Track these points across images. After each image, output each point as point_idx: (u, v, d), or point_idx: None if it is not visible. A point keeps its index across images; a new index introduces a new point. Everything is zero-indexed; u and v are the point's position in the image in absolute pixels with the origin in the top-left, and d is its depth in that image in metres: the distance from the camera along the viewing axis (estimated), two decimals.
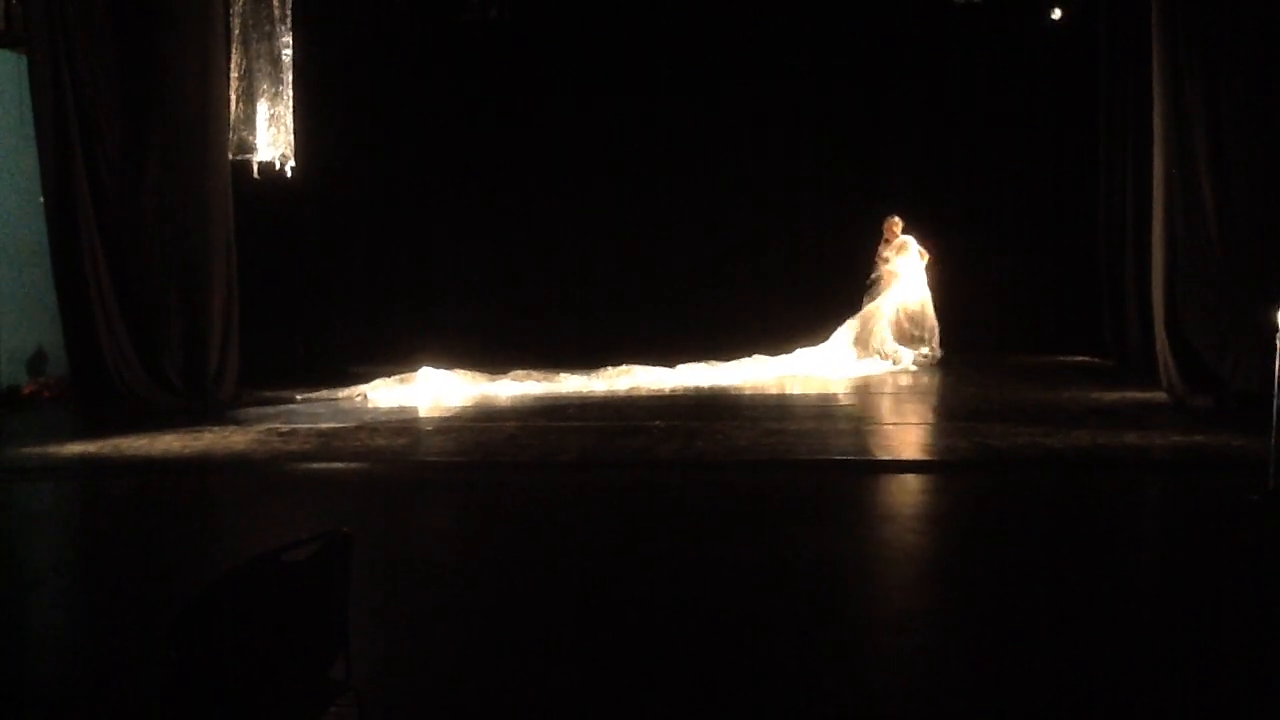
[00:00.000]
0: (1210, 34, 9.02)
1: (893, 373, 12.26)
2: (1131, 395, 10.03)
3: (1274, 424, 5.94)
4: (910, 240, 12.84)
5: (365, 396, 10.47)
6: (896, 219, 12.92)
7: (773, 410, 9.81)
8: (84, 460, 7.78)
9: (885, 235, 12.99)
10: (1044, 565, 5.35)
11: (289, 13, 9.44)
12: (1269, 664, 4.08)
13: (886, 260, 12.90)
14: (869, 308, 12.88)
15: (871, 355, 12.65)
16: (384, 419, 9.33)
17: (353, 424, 8.98)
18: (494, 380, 11.18)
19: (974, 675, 4.02)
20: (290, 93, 9.48)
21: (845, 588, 5.08)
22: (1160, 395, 9.60)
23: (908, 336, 12.89)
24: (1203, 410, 8.91)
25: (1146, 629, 4.55)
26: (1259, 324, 6.78)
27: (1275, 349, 6.09)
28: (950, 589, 5.12)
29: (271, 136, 9.45)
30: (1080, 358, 13.01)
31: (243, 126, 9.40)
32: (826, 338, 12.81)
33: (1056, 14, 12.51)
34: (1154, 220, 9.60)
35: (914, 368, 12.46)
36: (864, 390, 11.13)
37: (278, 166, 9.48)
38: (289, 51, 9.45)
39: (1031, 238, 13.74)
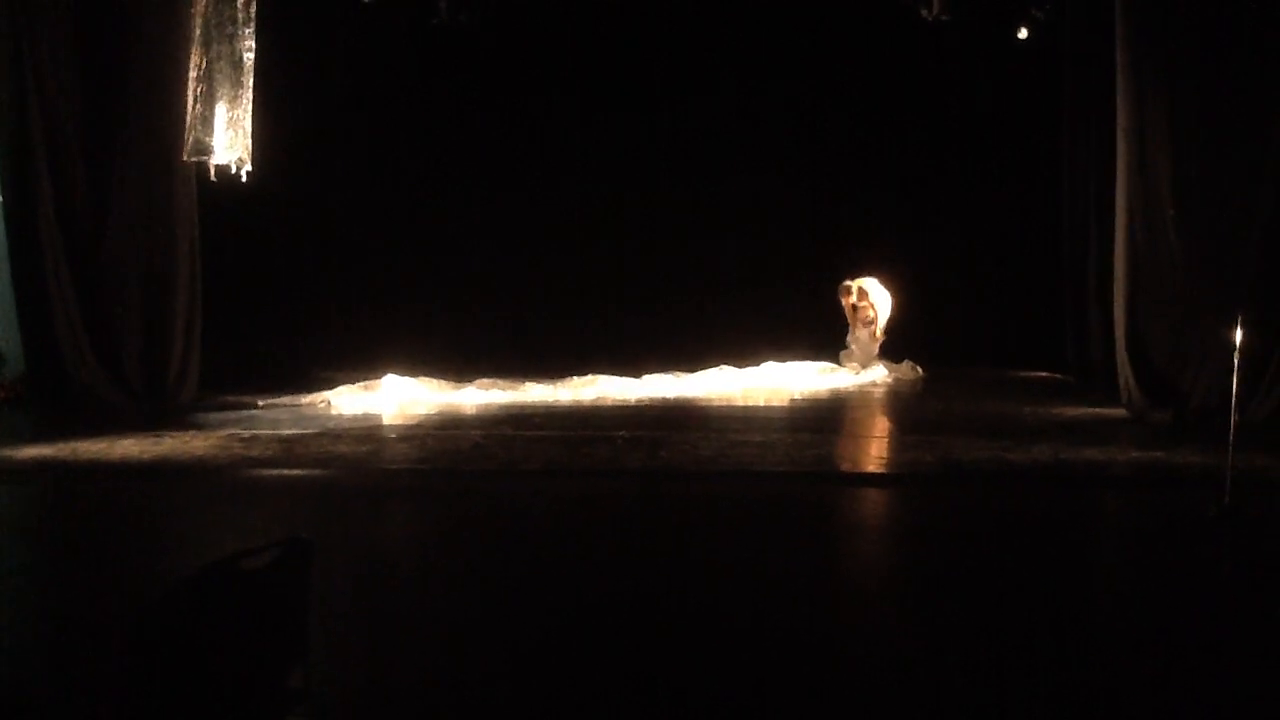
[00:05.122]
0: (1173, 54, 9.15)
1: (859, 386, 12.34)
2: (1092, 410, 10.14)
3: (1231, 440, 6.02)
4: (868, 284, 13.29)
5: (328, 402, 10.37)
6: (847, 283, 13.40)
7: (738, 421, 9.84)
8: (41, 463, 7.64)
9: (843, 299, 13.45)
10: (1003, 578, 5.38)
11: (252, 15, 9.33)
12: (1226, 679, 4.12)
13: (864, 310, 13.33)
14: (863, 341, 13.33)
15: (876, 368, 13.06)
16: (347, 425, 9.26)
17: (315, 430, 8.91)
18: (459, 388, 11.12)
19: (935, 687, 4.03)
20: (250, 95, 9.34)
21: (808, 599, 5.08)
22: (1121, 411, 9.72)
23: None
24: (1162, 426, 9.02)
25: (1104, 643, 4.59)
26: (1218, 340, 6.88)
27: (1234, 365, 6.19)
28: (910, 601, 5.14)
29: (229, 139, 9.32)
30: (1042, 373, 13.13)
31: (200, 128, 9.27)
32: (793, 350, 12.92)
33: (1023, 34, 12.65)
34: (1116, 237, 9.71)
35: (890, 381, 12.62)
36: (829, 403, 11.18)
37: (234, 170, 9.37)
38: (250, 54, 9.33)
39: (994, 253, 13.84)
